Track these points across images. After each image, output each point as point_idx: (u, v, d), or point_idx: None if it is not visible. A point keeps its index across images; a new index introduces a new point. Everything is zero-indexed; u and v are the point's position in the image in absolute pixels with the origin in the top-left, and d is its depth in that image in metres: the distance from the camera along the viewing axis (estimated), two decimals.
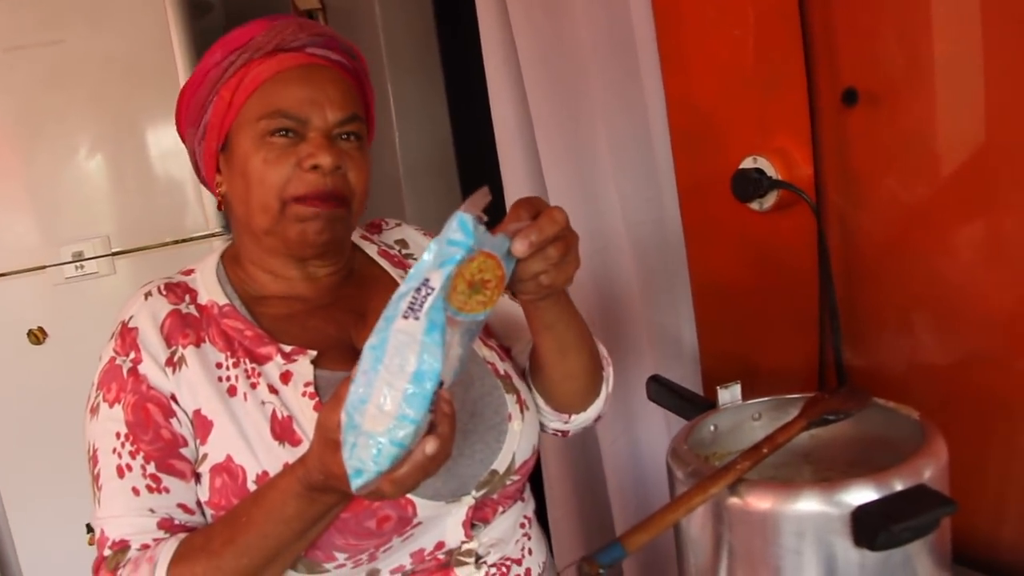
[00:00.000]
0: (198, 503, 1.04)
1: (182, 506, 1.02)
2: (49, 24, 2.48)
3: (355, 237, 1.24)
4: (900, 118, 1.19)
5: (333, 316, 1.14)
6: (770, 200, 1.34)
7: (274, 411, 1.02)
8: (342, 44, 1.13)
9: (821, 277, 1.30)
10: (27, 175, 2.53)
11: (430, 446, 0.80)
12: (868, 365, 1.31)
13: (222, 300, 1.11)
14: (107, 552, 1.00)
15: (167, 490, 1.02)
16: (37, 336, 2.54)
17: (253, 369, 1.05)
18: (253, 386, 1.04)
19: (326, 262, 1.16)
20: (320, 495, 0.91)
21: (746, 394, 1.17)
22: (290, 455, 0.99)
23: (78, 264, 2.55)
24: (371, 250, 1.26)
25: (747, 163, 1.35)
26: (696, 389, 1.60)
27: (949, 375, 1.22)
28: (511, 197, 2.00)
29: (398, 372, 0.76)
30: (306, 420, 1.02)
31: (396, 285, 1.18)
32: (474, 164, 3.05)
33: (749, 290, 1.45)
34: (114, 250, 2.58)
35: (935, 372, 1.24)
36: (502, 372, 1.16)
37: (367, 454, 0.76)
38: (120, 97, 2.55)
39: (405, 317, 0.77)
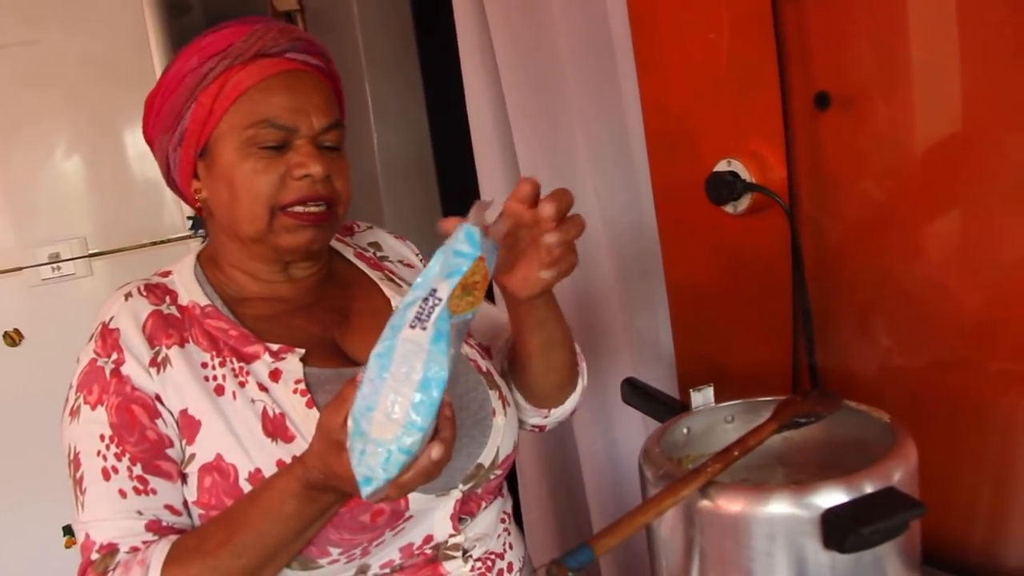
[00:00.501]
0: (185, 504, 1.03)
1: (169, 507, 1.02)
2: (25, 24, 2.46)
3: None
4: (872, 121, 1.20)
5: (316, 316, 1.15)
6: (744, 203, 1.34)
7: (265, 408, 1.02)
8: (320, 48, 1.13)
9: (794, 280, 1.30)
10: (3, 176, 2.51)
11: (436, 452, 0.81)
12: (840, 367, 1.31)
13: (203, 301, 1.10)
14: (95, 556, 0.99)
15: (154, 491, 1.01)
16: (13, 338, 2.52)
17: (241, 368, 1.05)
18: (242, 384, 1.04)
19: (308, 264, 1.16)
20: (319, 494, 0.91)
21: (719, 397, 1.17)
22: (283, 452, 0.99)
23: (55, 265, 2.53)
24: (347, 252, 1.27)
25: (721, 166, 1.36)
26: (672, 391, 1.61)
27: (920, 377, 1.23)
28: (487, 195, 2.00)
29: (405, 380, 0.78)
30: (298, 417, 1.02)
31: (375, 286, 1.21)
32: (452, 166, 3.05)
33: (723, 292, 1.46)
34: (91, 251, 2.56)
35: (906, 374, 1.25)
36: (484, 369, 1.18)
37: (376, 461, 0.77)
38: (97, 97, 2.54)
39: (412, 327, 0.79)
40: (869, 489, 0.88)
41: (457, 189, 2.97)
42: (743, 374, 1.45)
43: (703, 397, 1.16)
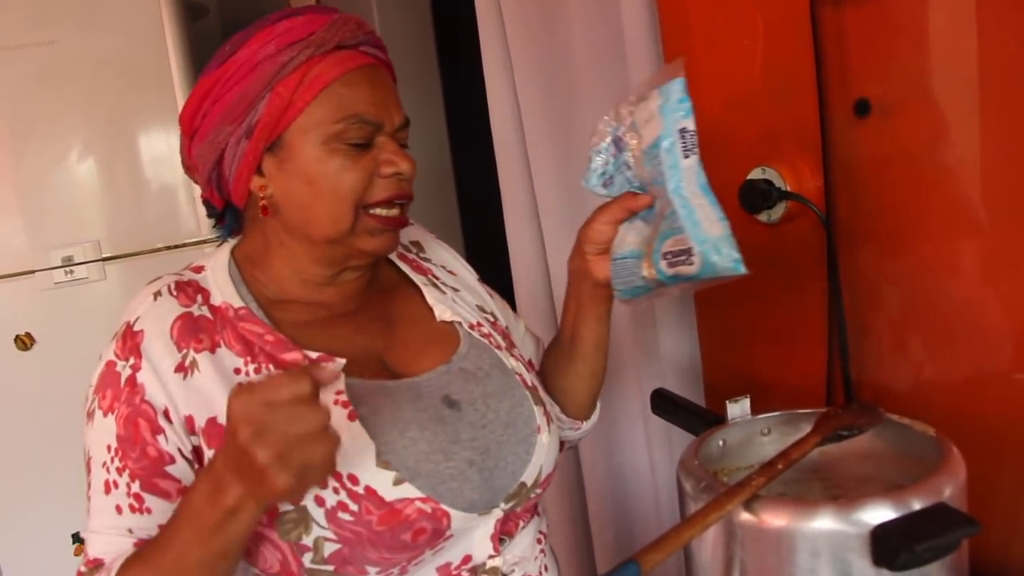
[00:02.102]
0: None
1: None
2: (42, 24, 2.45)
3: None
4: (913, 130, 1.18)
5: (361, 325, 1.11)
6: (779, 212, 1.32)
7: None
8: (383, 44, 1.10)
9: (830, 290, 1.28)
10: (17, 178, 2.51)
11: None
12: (876, 380, 1.29)
13: (237, 302, 1.05)
14: (83, 568, 0.99)
15: (149, 511, 0.98)
16: (25, 342, 2.51)
17: None
18: None
19: (362, 269, 1.12)
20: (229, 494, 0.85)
21: (751, 409, 1.15)
22: None
23: (68, 269, 2.52)
24: (391, 253, 1.21)
25: (755, 174, 1.33)
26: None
27: (956, 390, 1.21)
28: (508, 206, 2.00)
29: (699, 193, 0.98)
30: (340, 429, 0.93)
31: (417, 291, 1.18)
32: (472, 173, 3.04)
33: (755, 302, 1.44)
34: (104, 255, 2.56)
35: (942, 387, 1.22)
36: (530, 383, 1.14)
37: (732, 245, 0.95)
38: (113, 99, 2.53)
39: (686, 157, 0.98)
40: (917, 505, 0.87)
41: (477, 200, 2.97)
42: (773, 386, 1.43)
43: (740, 409, 1.14)
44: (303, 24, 1.01)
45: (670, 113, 0.99)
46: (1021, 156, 1.09)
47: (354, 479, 0.95)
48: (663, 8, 1.51)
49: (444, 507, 0.98)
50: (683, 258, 0.97)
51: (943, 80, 1.14)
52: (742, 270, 0.95)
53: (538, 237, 1.97)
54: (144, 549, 0.95)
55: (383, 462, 0.97)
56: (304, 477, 0.81)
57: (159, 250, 2.58)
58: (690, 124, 0.98)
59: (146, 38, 2.53)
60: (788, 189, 1.30)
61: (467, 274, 1.29)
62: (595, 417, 1.33)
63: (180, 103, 2.54)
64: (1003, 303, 1.14)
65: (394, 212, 1.05)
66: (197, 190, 2.55)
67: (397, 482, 0.96)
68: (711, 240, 0.95)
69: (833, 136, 1.25)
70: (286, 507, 0.96)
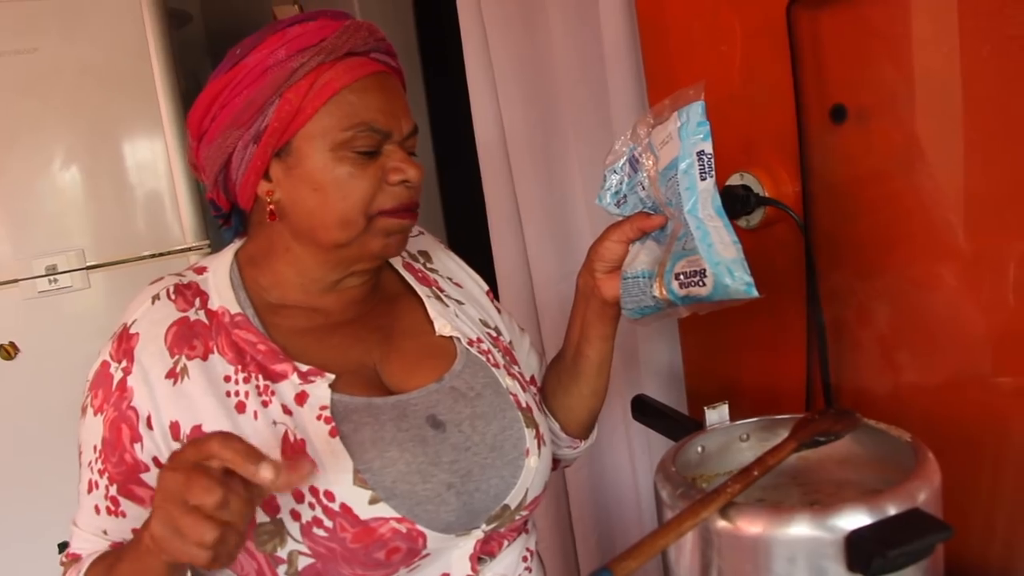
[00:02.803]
0: None
1: (136, 531, 0.99)
2: (24, 32, 2.45)
3: None
4: (888, 135, 1.18)
5: (358, 335, 1.11)
6: (757, 217, 1.33)
7: (287, 432, 0.98)
8: (394, 51, 1.10)
9: (808, 295, 1.28)
10: (0, 186, 2.50)
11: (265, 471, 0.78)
12: (855, 385, 1.30)
13: (234, 308, 1.05)
14: (64, 559, 1.04)
15: (123, 514, 1.00)
16: (9, 351, 2.50)
17: (266, 387, 1.00)
18: (265, 404, 1.00)
19: (366, 275, 1.13)
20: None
21: (733, 414, 1.15)
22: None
23: (52, 278, 2.51)
24: (396, 261, 1.22)
25: (734, 179, 1.34)
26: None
27: (935, 395, 1.21)
28: (492, 211, 2.00)
29: (712, 216, 1.00)
30: (320, 444, 0.98)
31: (419, 303, 1.17)
32: (455, 178, 3.05)
33: (734, 308, 1.43)
34: (89, 264, 2.55)
35: (921, 392, 1.23)
36: (524, 404, 1.13)
37: (744, 269, 0.97)
38: (96, 107, 2.53)
39: (703, 179, 1.00)
40: (893, 511, 0.87)
41: (461, 205, 2.96)
42: (755, 391, 1.44)
43: (718, 415, 1.14)
44: (314, 30, 1.01)
45: (689, 135, 1.01)
46: (997, 161, 1.09)
47: (330, 495, 0.96)
48: (642, 15, 1.52)
49: (420, 528, 0.98)
50: (696, 279, 0.99)
51: (917, 87, 1.14)
52: (755, 293, 0.97)
53: (521, 243, 1.98)
54: (107, 556, 0.99)
55: (360, 480, 0.97)
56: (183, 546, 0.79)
57: (144, 258, 2.58)
58: (708, 147, 1.00)
59: (129, 45, 2.53)
60: (766, 195, 1.31)
61: (474, 286, 1.28)
62: (593, 436, 1.32)
63: (163, 110, 2.55)
64: (980, 307, 1.15)
65: (407, 214, 1.06)
66: (182, 197, 2.55)
67: (373, 501, 0.96)
68: (724, 262, 0.97)
69: (810, 142, 1.25)
70: (262, 518, 0.96)
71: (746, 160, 1.34)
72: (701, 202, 1.00)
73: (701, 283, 0.99)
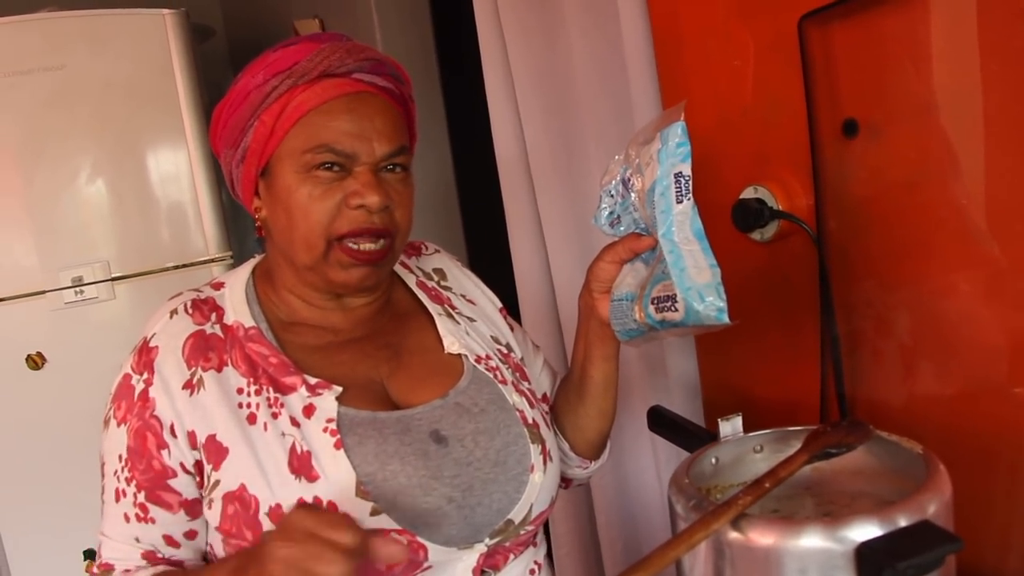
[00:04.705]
0: (185, 534, 1.05)
1: (167, 537, 1.03)
2: (52, 49, 2.50)
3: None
4: (900, 149, 1.19)
5: (367, 351, 1.12)
6: (771, 230, 1.33)
7: (294, 444, 1.01)
8: (390, 69, 1.09)
9: (822, 307, 1.29)
10: (28, 199, 2.55)
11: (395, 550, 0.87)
12: (870, 396, 1.30)
13: (248, 322, 1.08)
14: (96, 570, 1.05)
15: (153, 520, 1.03)
16: (36, 361, 2.53)
17: (276, 399, 1.03)
18: (274, 416, 1.02)
19: (364, 296, 1.14)
20: None
21: (747, 426, 1.16)
22: (306, 490, 0.98)
23: (78, 289, 2.55)
24: (410, 280, 1.23)
25: (748, 193, 1.35)
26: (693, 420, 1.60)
27: (949, 407, 1.21)
28: (513, 225, 2.01)
29: (688, 240, 0.99)
30: (326, 457, 1.00)
31: (430, 321, 1.18)
32: (476, 192, 3.05)
33: (750, 320, 1.44)
34: (114, 275, 2.59)
35: (935, 403, 1.23)
36: (530, 420, 1.14)
37: (717, 295, 0.96)
38: (121, 121, 2.57)
39: (679, 202, 0.99)
40: (903, 522, 0.87)
41: (480, 214, 2.98)
42: (770, 403, 1.44)
43: (731, 426, 1.15)
44: (290, 54, 1.04)
45: (667, 158, 1.00)
46: (1010, 173, 1.10)
47: (333, 506, 0.98)
48: (657, 31, 1.53)
49: (420, 540, 0.99)
50: (668, 304, 0.99)
51: (929, 101, 1.15)
52: (725, 320, 0.96)
53: (542, 252, 1.98)
54: None
55: (362, 492, 0.99)
56: None
57: (168, 269, 2.61)
58: (686, 169, 0.99)
59: (154, 61, 2.57)
60: (780, 208, 1.32)
61: (488, 303, 1.29)
62: (604, 457, 1.32)
63: (187, 124, 2.59)
64: (994, 319, 1.15)
65: (367, 246, 1.04)
66: (205, 209, 2.59)
67: (374, 512, 0.98)
68: (696, 287, 0.96)
69: (823, 155, 1.26)
70: (269, 526, 0.99)
71: (760, 173, 1.35)
72: (677, 225, 0.99)
73: (674, 308, 0.98)
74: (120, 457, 1.03)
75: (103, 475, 1.06)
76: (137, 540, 1.04)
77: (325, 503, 0.98)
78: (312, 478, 0.99)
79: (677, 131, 1.00)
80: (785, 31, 1.25)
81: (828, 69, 1.23)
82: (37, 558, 2.52)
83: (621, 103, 1.69)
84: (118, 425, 1.04)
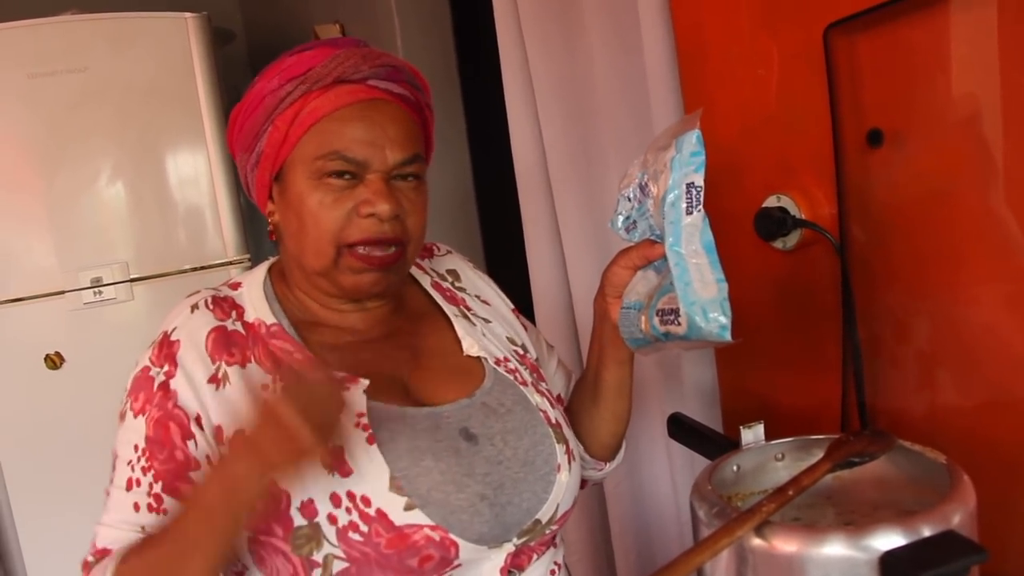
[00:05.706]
0: None
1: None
2: (74, 52, 2.51)
3: None
4: (925, 159, 1.19)
5: (386, 352, 1.12)
6: (794, 239, 1.33)
7: None
8: (407, 76, 1.09)
9: (845, 317, 1.29)
10: (47, 200, 2.57)
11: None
12: (891, 406, 1.30)
13: (270, 319, 1.08)
14: (90, 558, 1.02)
15: (165, 511, 1.01)
16: (54, 361, 2.55)
17: None
18: None
19: (377, 299, 1.14)
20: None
21: (768, 434, 1.16)
22: (338, 485, 0.98)
23: (96, 290, 2.57)
24: (424, 281, 1.23)
25: (771, 202, 1.35)
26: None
27: (971, 417, 1.21)
28: (530, 232, 2.02)
29: (696, 253, 0.97)
30: (359, 450, 1.00)
31: (447, 322, 1.18)
32: (494, 199, 3.06)
33: (771, 329, 1.45)
34: (132, 276, 2.60)
35: (957, 413, 1.23)
36: (553, 421, 1.14)
37: (722, 311, 0.95)
38: (142, 124, 2.59)
39: (689, 213, 0.97)
40: (927, 532, 0.87)
41: (499, 225, 2.99)
42: (790, 411, 1.44)
43: (753, 434, 1.15)
44: (305, 59, 1.04)
45: (680, 167, 0.98)
46: None
47: (367, 500, 0.98)
48: (680, 38, 1.53)
49: (453, 537, 0.99)
50: (672, 317, 0.98)
51: (954, 111, 1.15)
52: (728, 338, 0.95)
53: (559, 257, 1.99)
54: (143, 542, 0.99)
55: (396, 486, 0.99)
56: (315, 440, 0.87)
57: (186, 271, 2.63)
58: (698, 179, 0.97)
59: (175, 64, 2.58)
60: (803, 217, 1.32)
61: (501, 304, 1.29)
62: (619, 458, 1.33)
63: (207, 126, 2.61)
64: (1019, 328, 1.15)
65: (376, 252, 1.04)
66: (224, 211, 2.60)
67: (408, 507, 0.98)
68: (700, 302, 0.95)
69: (847, 165, 1.26)
70: (300, 522, 0.98)
71: (783, 182, 1.35)
72: (685, 237, 0.97)
73: (677, 322, 0.97)
74: (136, 447, 1.02)
75: (113, 467, 1.04)
76: (143, 529, 1.01)
77: (359, 497, 0.98)
78: (345, 473, 0.99)
79: (692, 140, 0.98)
80: (811, 40, 1.25)
81: (853, 78, 1.24)
82: (54, 557, 2.52)
83: (641, 111, 1.70)
84: (135, 416, 1.03)
